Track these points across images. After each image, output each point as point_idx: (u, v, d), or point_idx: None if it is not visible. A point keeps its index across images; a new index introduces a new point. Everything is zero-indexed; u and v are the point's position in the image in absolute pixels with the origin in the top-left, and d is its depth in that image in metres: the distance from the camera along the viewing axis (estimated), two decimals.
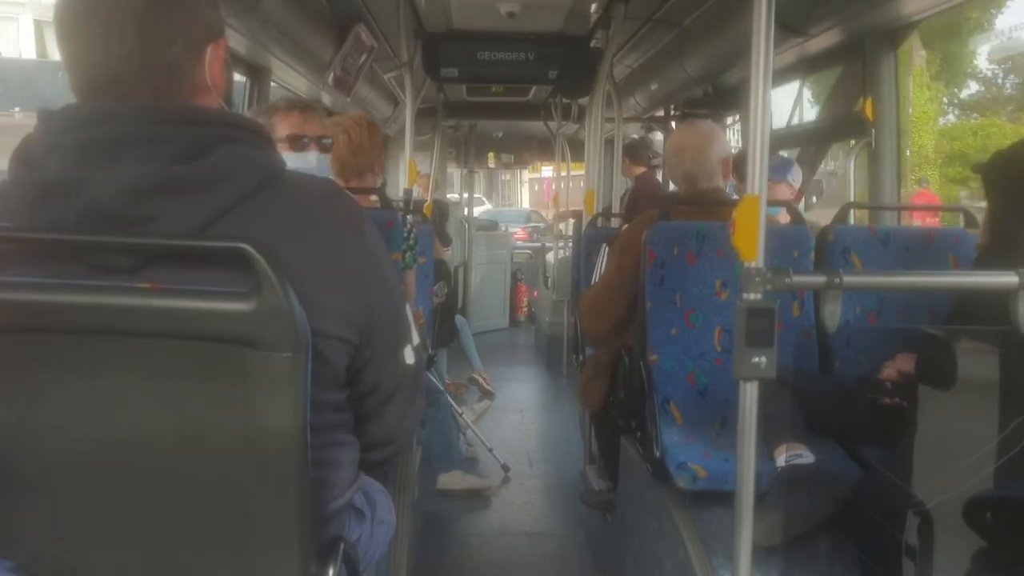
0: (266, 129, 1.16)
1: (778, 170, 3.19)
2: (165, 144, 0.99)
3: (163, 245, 0.97)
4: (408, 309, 1.26)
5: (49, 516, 1.02)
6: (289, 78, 3.79)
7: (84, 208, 0.96)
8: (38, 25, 17.61)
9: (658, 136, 6.76)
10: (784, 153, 3.86)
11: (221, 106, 1.13)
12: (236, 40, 2.85)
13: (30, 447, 1.00)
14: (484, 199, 26.66)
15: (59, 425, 0.98)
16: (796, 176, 3.49)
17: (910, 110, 17.63)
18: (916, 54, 17.28)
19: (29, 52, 17.23)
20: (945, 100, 18.82)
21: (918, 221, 6.88)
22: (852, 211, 3.03)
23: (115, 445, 0.99)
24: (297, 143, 2.19)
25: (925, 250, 2.48)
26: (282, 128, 2.19)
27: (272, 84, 3.59)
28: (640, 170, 5.74)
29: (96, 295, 0.94)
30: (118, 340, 0.95)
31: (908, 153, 17.31)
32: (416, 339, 1.28)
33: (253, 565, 1.01)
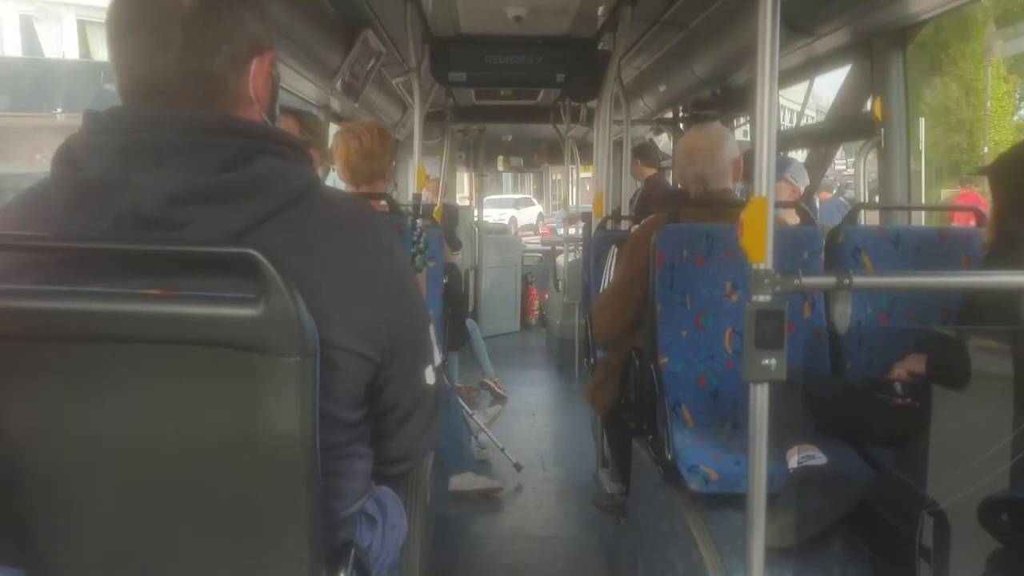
0: (303, 144, 1.17)
1: (776, 168, 3.18)
2: (206, 154, 1.00)
3: (169, 252, 0.97)
4: (432, 330, 1.27)
5: (58, 522, 1.02)
6: (297, 84, 3.80)
7: (122, 211, 0.97)
8: (81, 25, 17.72)
9: (663, 139, 6.76)
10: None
11: (264, 119, 1.14)
12: None
13: (39, 454, 1.00)
14: (534, 199, 26.55)
15: (68, 432, 0.98)
16: (798, 174, 3.47)
17: (988, 104, 17.25)
18: (994, 43, 16.80)
19: (72, 52, 17.35)
20: (1017, 94, 18.32)
21: (957, 223, 6.79)
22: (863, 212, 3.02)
23: (124, 451, 0.99)
24: None
25: (936, 250, 2.46)
26: None
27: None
28: (651, 171, 5.72)
29: (104, 302, 0.94)
30: (127, 346, 0.95)
31: (986, 150, 16.95)
32: (438, 359, 1.28)
33: (262, 571, 1.01)
